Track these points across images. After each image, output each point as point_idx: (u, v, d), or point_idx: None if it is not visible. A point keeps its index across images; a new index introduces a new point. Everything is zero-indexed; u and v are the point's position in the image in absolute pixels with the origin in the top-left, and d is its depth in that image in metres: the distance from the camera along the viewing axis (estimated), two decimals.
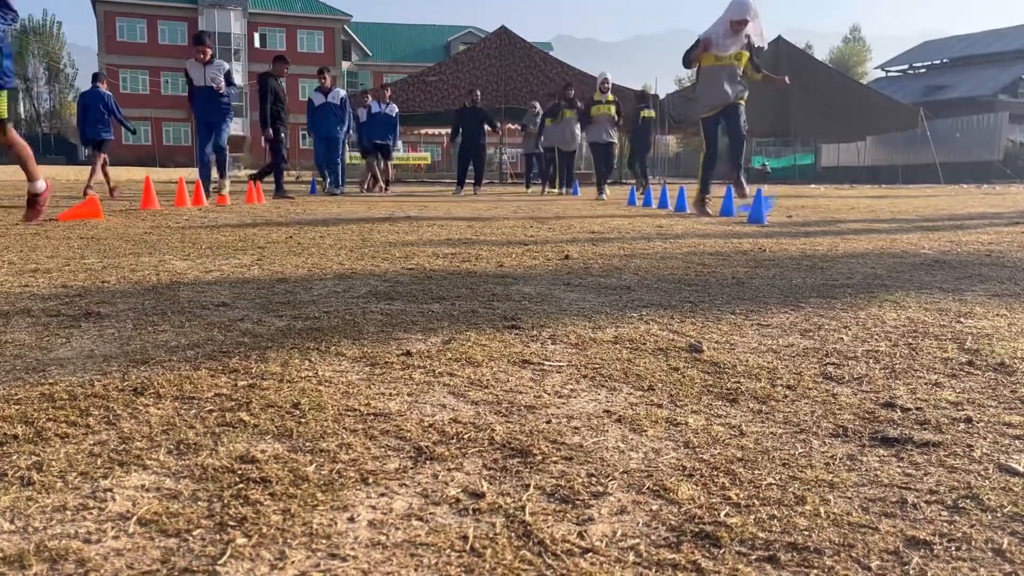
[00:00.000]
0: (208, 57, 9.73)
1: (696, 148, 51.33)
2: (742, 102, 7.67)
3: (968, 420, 1.38)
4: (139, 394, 1.46)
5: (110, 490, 1.03)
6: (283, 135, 11.30)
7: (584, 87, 19.37)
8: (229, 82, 9.85)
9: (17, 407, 1.37)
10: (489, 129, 15.18)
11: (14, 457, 1.14)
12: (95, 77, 12.03)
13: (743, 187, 7.95)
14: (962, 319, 2.32)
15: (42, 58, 58.02)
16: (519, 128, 32.14)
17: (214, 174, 10.22)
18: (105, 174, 11.51)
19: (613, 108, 12.89)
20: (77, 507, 0.98)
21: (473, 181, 15.10)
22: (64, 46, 61.65)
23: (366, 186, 14.94)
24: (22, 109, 56.40)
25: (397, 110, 15.02)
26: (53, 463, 1.12)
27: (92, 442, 1.21)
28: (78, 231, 4.98)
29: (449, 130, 15.36)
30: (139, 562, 0.85)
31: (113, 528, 0.93)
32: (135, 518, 0.95)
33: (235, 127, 54.81)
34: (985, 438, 1.29)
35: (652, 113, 15.68)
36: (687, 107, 27.28)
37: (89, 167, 11.59)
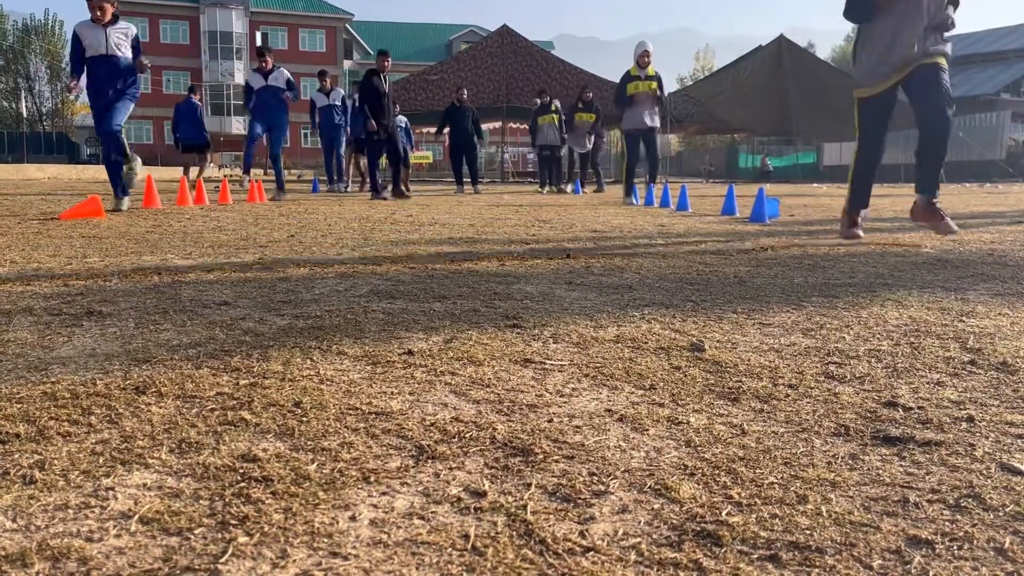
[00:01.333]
0: (108, 17, 6.87)
1: (696, 148, 51.10)
2: (941, 61, 4.62)
3: (970, 419, 1.38)
4: (141, 393, 1.47)
5: (112, 489, 1.04)
6: (381, 132, 10.76)
7: (587, 85, 19.37)
8: (138, 51, 7.05)
9: (19, 406, 1.37)
10: (485, 132, 15.21)
11: (16, 456, 1.14)
12: (190, 90, 13.92)
13: (939, 214, 4.74)
14: (964, 318, 2.32)
15: (43, 57, 58.05)
16: (522, 127, 32.13)
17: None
18: (200, 169, 13.28)
19: (655, 85, 10.47)
20: (79, 506, 0.98)
21: (470, 180, 15.05)
22: (66, 45, 61.63)
23: (348, 186, 14.69)
24: (24, 108, 56.45)
25: (341, 96, 14.61)
26: (55, 462, 1.12)
27: (94, 441, 1.21)
28: (80, 230, 4.99)
29: (449, 129, 15.32)
30: (141, 560, 0.85)
31: (115, 527, 0.93)
32: (137, 516, 0.95)
33: (237, 126, 55.05)
34: (987, 437, 1.29)
35: (591, 116, 15.35)
36: (689, 107, 27.24)
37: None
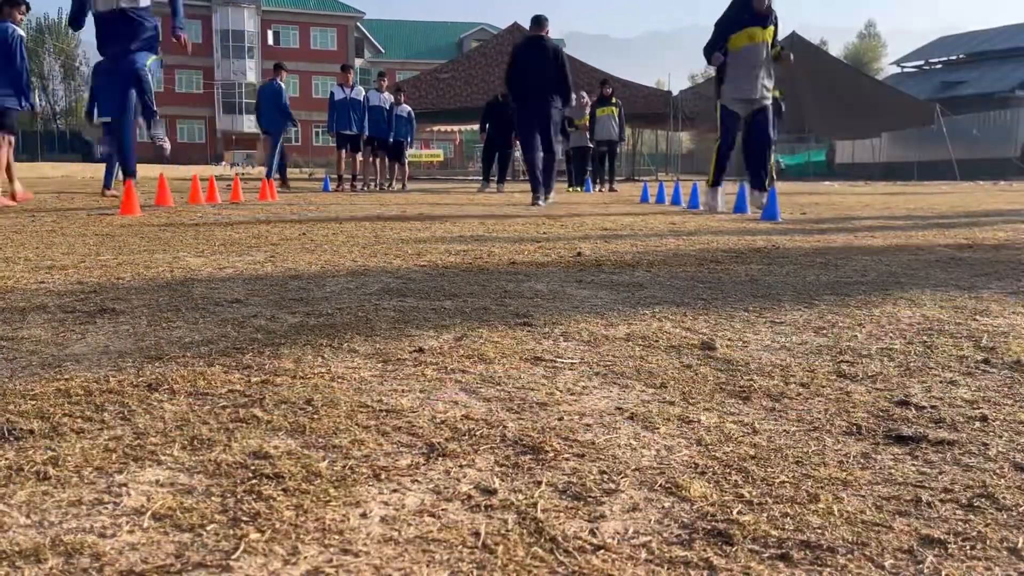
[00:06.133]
0: None
1: (709, 145, 51.23)
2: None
3: (983, 418, 1.37)
4: (153, 390, 1.47)
5: (125, 485, 1.04)
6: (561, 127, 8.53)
7: (598, 84, 19.29)
8: None
9: (33, 402, 1.38)
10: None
11: (30, 452, 1.15)
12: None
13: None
14: (978, 317, 2.30)
15: (57, 56, 58.48)
16: None
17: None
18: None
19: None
20: (92, 502, 0.99)
21: (496, 178, 14.77)
22: (79, 44, 62.09)
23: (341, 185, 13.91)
24: (37, 107, 56.88)
25: (364, 93, 13.87)
26: (69, 458, 1.13)
27: (107, 437, 1.22)
28: (93, 228, 5.02)
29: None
30: (153, 556, 0.85)
31: (128, 523, 0.93)
32: (149, 513, 0.96)
33: (248, 124, 55.26)
34: (1001, 436, 1.28)
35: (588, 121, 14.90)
36: (700, 104, 27.15)
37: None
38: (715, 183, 7.68)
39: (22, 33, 7.38)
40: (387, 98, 14.26)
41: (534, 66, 8.30)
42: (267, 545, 0.88)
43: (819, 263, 3.57)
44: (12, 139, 7.14)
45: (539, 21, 8.77)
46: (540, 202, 8.55)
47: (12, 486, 1.03)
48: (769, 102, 7.51)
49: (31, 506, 0.97)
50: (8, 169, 7.29)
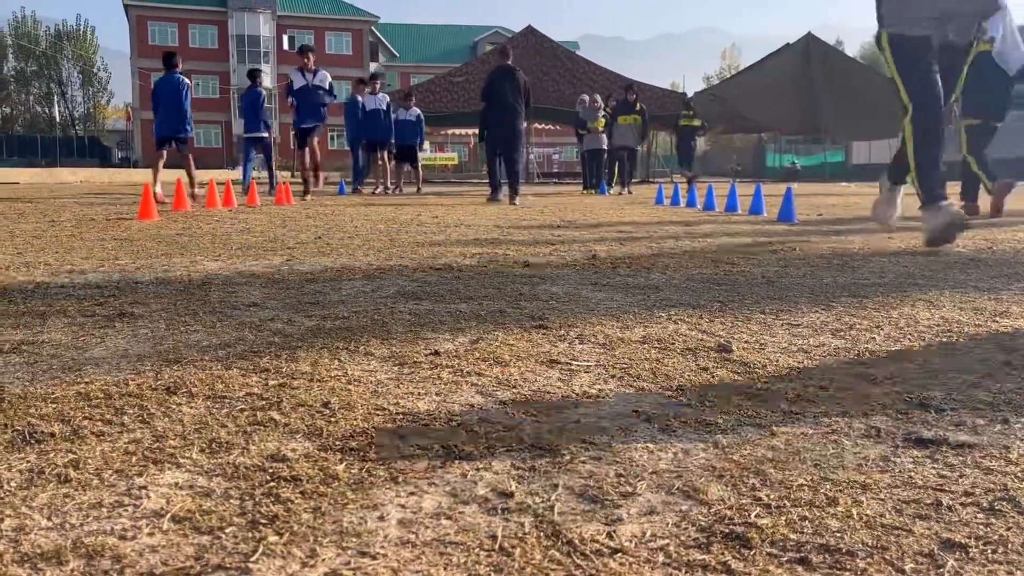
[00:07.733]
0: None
1: (723, 147, 50.63)
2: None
3: (1005, 421, 1.36)
4: (172, 393, 1.48)
5: (145, 487, 1.05)
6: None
7: (613, 86, 19.24)
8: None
9: (54, 405, 1.40)
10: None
11: (52, 455, 1.16)
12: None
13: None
14: (998, 318, 2.28)
15: (76, 62, 59.10)
16: (548, 127, 31.83)
17: None
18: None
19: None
20: (113, 504, 1.00)
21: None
22: (97, 50, 62.66)
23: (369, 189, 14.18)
24: (56, 113, 57.44)
25: (328, 79, 14.02)
26: (89, 461, 1.14)
27: (127, 440, 1.23)
28: (112, 232, 5.06)
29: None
30: (173, 558, 0.86)
31: (148, 525, 0.94)
32: (169, 515, 0.96)
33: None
34: (1022, 439, 1.27)
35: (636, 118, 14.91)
36: (715, 106, 27.07)
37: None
38: (934, 199, 4.16)
39: (188, 82, 10.24)
40: (383, 98, 14.32)
41: (509, 89, 10.31)
42: (285, 547, 0.89)
43: (836, 264, 3.54)
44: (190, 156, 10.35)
45: (505, 52, 11.18)
46: (500, 197, 10.25)
47: (34, 488, 1.04)
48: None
49: (52, 508, 0.98)
50: (188, 172, 10.32)
